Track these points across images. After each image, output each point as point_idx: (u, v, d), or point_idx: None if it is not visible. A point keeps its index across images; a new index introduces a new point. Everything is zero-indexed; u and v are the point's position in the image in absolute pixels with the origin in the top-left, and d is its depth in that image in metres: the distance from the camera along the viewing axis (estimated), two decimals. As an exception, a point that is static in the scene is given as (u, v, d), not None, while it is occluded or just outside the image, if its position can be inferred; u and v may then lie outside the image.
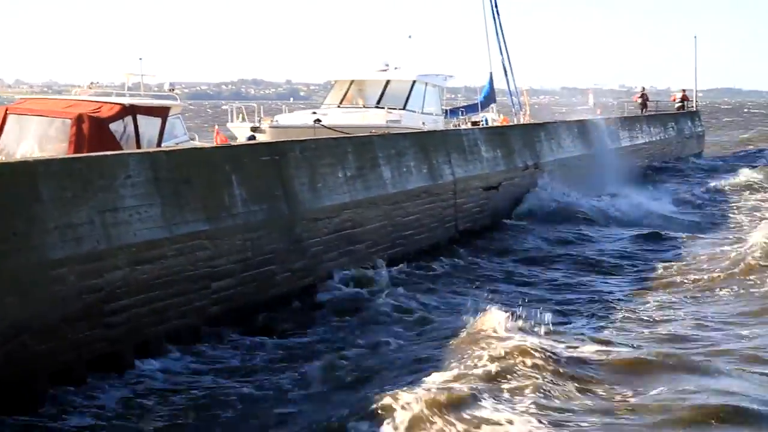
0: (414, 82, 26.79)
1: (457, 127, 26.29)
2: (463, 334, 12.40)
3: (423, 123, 25.70)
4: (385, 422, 9.27)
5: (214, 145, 19.34)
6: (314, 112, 25.75)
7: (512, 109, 33.50)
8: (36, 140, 15.33)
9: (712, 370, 10.97)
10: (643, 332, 13.33)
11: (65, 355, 10.65)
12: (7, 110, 16.13)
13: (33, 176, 10.70)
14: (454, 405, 9.45)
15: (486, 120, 29.90)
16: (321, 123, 23.35)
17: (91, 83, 18.89)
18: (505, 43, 33.19)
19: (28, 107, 16.22)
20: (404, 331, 13.42)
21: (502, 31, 33.09)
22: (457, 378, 10.50)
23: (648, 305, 15.18)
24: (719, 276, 16.93)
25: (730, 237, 21.71)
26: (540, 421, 9.35)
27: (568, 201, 26.49)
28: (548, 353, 11.03)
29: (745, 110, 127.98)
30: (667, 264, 18.63)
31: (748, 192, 32.36)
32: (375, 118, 24.56)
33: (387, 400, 9.61)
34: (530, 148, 27.33)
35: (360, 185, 17.55)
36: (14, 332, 9.97)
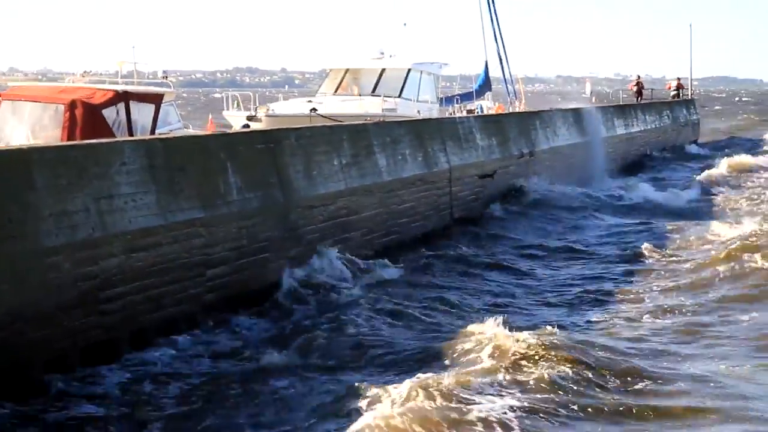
0: (409, 70, 26.73)
1: (453, 115, 26.26)
2: (456, 326, 12.38)
3: (418, 111, 25.64)
4: (371, 408, 9.28)
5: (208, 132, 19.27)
6: (310, 101, 25.64)
7: (507, 97, 33.51)
8: (29, 126, 15.30)
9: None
10: (643, 323, 13.30)
11: (60, 343, 10.65)
12: (0, 96, 16.09)
13: (28, 164, 10.67)
14: (447, 398, 9.39)
15: (481, 108, 29.89)
16: (317, 112, 23.27)
17: (85, 71, 18.79)
18: (500, 31, 33.29)
19: (21, 93, 16.17)
20: (392, 321, 13.32)
21: (497, 19, 33.22)
22: (449, 370, 10.43)
23: (646, 294, 15.16)
24: (717, 259, 16.91)
25: (728, 222, 21.69)
26: (539, 417, 9.26)
27: (561, 189, 26.58)
28: (546, 345, 10.92)
29: (737, 98, 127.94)
30: (662, 250, 18.66)
31: (742, 178, 32.55)
32: (371, 107, 24.50)
33: (376, 390, 9.66)
34: (525, 136, 27.34)
35: (355, 173, 17.53)
36: (9, 320, 9.97)
